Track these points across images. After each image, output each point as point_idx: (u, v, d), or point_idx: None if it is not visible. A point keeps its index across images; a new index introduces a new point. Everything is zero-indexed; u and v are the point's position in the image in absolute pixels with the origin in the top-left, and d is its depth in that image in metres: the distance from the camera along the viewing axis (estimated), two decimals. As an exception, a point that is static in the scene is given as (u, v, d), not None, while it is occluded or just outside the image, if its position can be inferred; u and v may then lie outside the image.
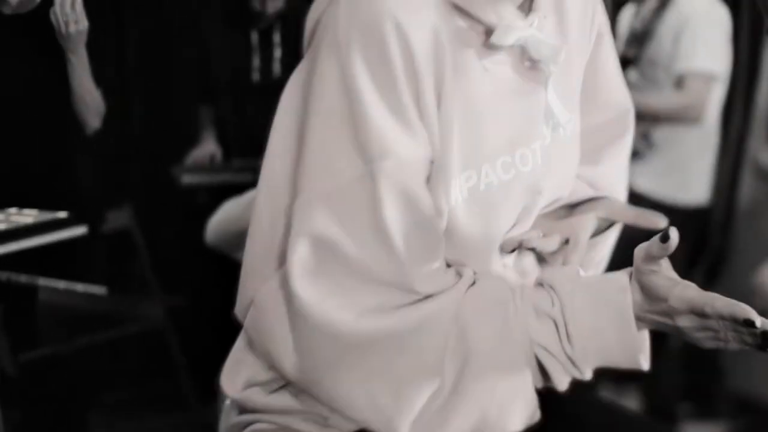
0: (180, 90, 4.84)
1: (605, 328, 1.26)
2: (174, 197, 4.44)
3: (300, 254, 1.22)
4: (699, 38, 3.66)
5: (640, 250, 1.24)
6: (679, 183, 3.88)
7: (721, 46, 3.80)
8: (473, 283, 1.32)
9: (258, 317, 1.31)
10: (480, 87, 1.27)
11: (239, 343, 1.42)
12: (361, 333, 1.23)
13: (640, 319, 1.26)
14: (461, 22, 1.25)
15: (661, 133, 3.80)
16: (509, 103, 1.31)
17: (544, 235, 1.42)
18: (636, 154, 3.61)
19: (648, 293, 1.24)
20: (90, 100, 3.12)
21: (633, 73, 3.68)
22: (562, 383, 1.32)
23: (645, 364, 1.30)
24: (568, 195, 1.49)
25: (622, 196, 1.58)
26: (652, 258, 1.22)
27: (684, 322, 1.21)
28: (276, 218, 1.29)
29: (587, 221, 1.46)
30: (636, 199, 3.61)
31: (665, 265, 1.24)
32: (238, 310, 1.37)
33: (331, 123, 1.21)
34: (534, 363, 1.30)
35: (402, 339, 1.24)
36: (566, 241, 1.45)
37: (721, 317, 1.16)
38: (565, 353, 1.27)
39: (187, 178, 4.09)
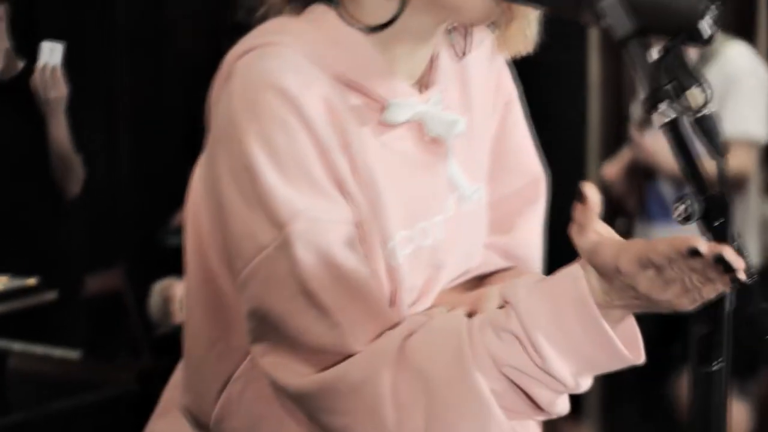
0: (168, 149, 4.89)
1: (570, 326, 1.11)
2: (165, 258, 4.46)
3: (256, 333, 1.22)
4: (747, 101, 3.56)
5: (573, 230, 1.11)
6: None
7: (765, 108, 3.70)
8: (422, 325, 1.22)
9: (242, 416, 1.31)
10: (378, 163, 1.26)
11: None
12: (310, 395, 1.20)
13: (610, 307, 1.11)
14: (355, 100, 1.24)
15: None
16: (409, 178, 1.30)
17: (449, 310, 1.33)
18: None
19: (603, 272, 1.08)
20: (69, 165, 3.16)
21: None
22: (552, 404, 1.17)
23: (635, 356, 1.15)
24: (477, 266, 1.45)
25: (537, 263, 1.52)
26: (582, 228, 1.09)
27: (644, 284, 1.04)
28: (214, 307, 1.30)
29: (491, 293, 1.34)
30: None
31: (604, 232, 1.12)
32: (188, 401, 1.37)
33: (244, 203, 1.19)
34: (507, 386, 1.15)
35: (341, 396, 1.18)
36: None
37: (670, 260, 1.00)
38: (537, 366, 1.12)
39: (174, 240, 4.11)
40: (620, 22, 1.08)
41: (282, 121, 1.16)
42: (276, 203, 1.15)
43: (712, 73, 3.51)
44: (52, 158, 3.13)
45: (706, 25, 1.05)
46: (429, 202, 1.32)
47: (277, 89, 1.16)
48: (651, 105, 1.06)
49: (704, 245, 0.97)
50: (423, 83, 1.33)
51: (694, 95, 1.06)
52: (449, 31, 1.40)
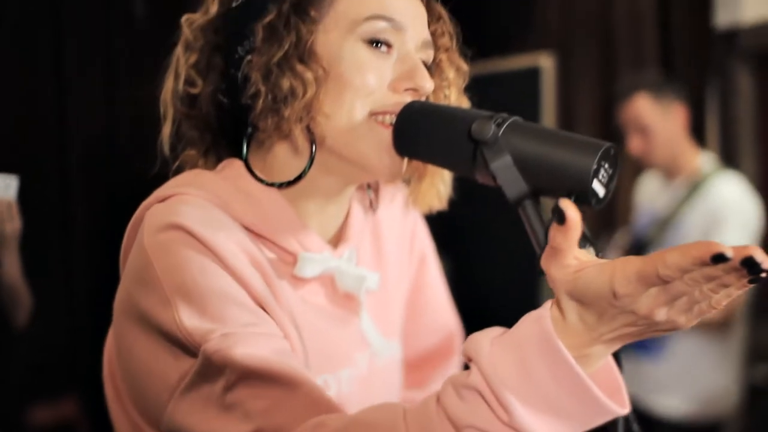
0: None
1: (537, 372, 0.95)
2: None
3: None
4: (731, 236, 3.49)
5: (545, 260, 0.98)
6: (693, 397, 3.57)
7: (752, 242, 3.60)
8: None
9: None
10: (296, 311, 1.25)
11: None
12: None
13: (595, 343, 0.96)
14: (268, 252, 1.25)
15: (674, 340, 3.54)
16: (324, 330, 1.29)
17: None
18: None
19: (588, 302, 0.93)
20: (17, 297, 3.15)
21: None
22: None
23: (617, 404, 0.98)
24: None
25: None
26: (561, 254, 0.95)
27: (646, 305, 0.90)
28: None
29: None
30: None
31: (585, 256, 0.97)
32: None
33: (154, 345, 1.15)
34: None
35: None
36: None
37: (684, 270, 0.87)
38: (504, 423, 0.95)
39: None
40: (513, 183, 1.09)
41: (191, 258, 1.15)
42: (189, 332, 1.11)
43: (699, 206, 3.57)
44: (2, 289, 3.11)
45: (598, 185, 1.07)
46: (338, 355, 1.31)
47: (184, 229, 1.15)
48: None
49: (728, 249, 0.85)
50: (337, 239, 1.35)
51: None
52: (368, 187, 1.43)
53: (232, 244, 1.17)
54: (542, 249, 1.07)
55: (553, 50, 4.94)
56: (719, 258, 0.84)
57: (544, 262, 0.97)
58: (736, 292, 0.90)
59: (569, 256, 0.95)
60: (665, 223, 3.64)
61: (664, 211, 3.66)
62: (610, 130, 4.64)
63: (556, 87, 4.95)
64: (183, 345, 1.11)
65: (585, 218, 1.04)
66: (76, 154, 5.01)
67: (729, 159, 4.32)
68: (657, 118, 3.66)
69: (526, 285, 4.87)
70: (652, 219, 3.73)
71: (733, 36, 4.38)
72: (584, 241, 1.06)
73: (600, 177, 1.07)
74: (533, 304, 4.91)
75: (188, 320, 1.10)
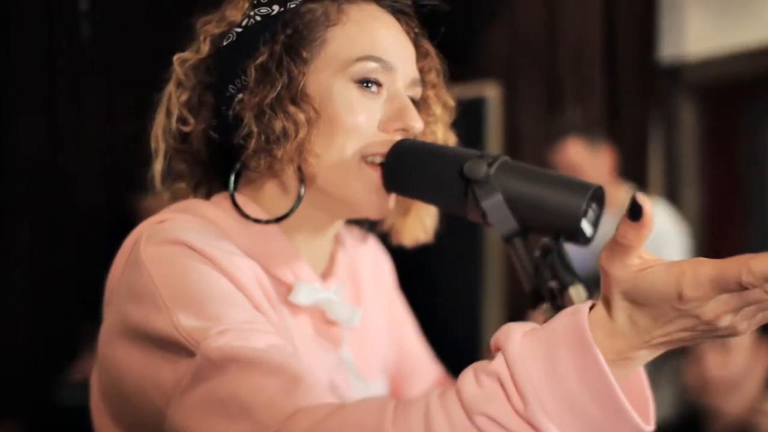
0: (65, 302, 4.85)
1: (564, 368, 0.91)
2: (61, 417, 4.36)
3: None
4: (670, 255, 3.53)
5: (606, 256, 0.94)
6: None
7: None
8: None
9: None
10: (292, 334, 1.26)
11: None
12: None
13: (645, 346, 0.93)
14: (267, 282, 1.24)
15: None
16: (313, 358, 1.28)
17: None
18: None
19: (648, 303, 0.90)
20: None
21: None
22: None
23: (642, 419, 0.94)
24: None
25: None
26: (627, 251, 0.91)
27: (713, 310, 0.87)
28: None
29: None
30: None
31: (649, 255, 0.93)
32: None
33: (146, 355, 1.13)
34: None
35: None
36: None
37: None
38: (518, 414, 0.91)
39: (70, 397, 4.04)
40: (504, 221, 1.12)
41: (191, 266, 1.14)
42: (187, 332, 1.09)
43: None
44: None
45: (587, 225, 1.09)
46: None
47: (184, 244, 1.15)
48: (533, 303, 1.09)
49: None
50: (324, 274, 1.37)
51: (577, 292, 1.09)
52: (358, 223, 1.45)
53: (234, 257, 1.18)
54: (530, 282, 1.10)
55: (500, 80, 4.99)
56: None
57: (604, 259, 0.94)
58: None
59: (635, 254, 0.91)
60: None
61: (602, 243, 3.72)
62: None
63: (502, 116, 4.99)
64: (179, 347, 1.09)
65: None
66: (17, 175, 4.98)
67: (672, 191, 4.39)
68: (588, 160, 3.81)
69: (469, 315, 4.90)
70: (590, 252, 3.76)
71: (677, 70, 4.47)
72: (572, 277, 1.09)
73: (588, 217, 1.09)
74: (476, 331, 4.96)
75: (186, 321, 1.09)
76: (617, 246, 0.91)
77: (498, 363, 0.94)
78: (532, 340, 0.94)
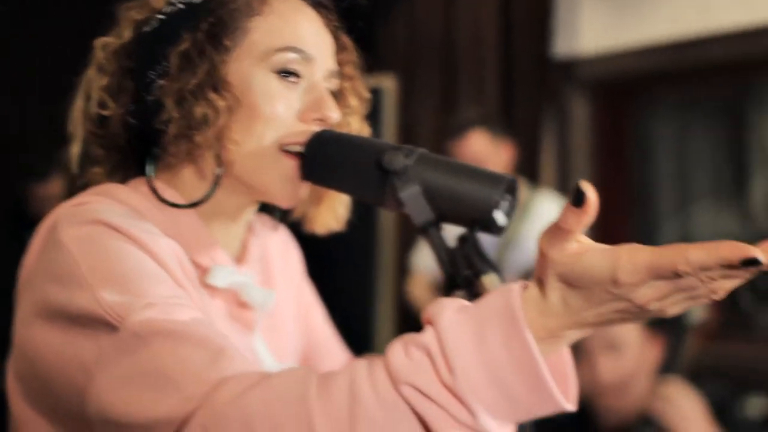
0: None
1: (492, 342, 0.92)
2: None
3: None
4: None
5: (546, 239, 0.95)
6: None
7: None
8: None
9: None
10: (210, 313, 1.27)
11: None
12: None
13: (576, 326, 0.95)
14: (187, 262, 1.25)
15: None
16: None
17: None
18: None
19: (581, 285, 0.92)
20: None
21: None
22: None
23: (564, 399, 0.95)
24: None
25: None
26: (567, 235, 0.93)
27: (646, 295, 0.89)
28: None
29: None
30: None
31: (587, 240, 0.96)
32: None
33: (63, 333, 1.13)
34: (399, 410, 0.93)
35: None
36: None
37: (705, 269, 0.85)
38: (443, 383, 0.92)
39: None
40: (421, 211, 1.15)
41: (112, 244, 1.15)
42: (111, 306, 1.09)
43: (534, 224, 3.76)
44: None
45: (500, 215, 1.13)
46: None
47: (105, 223, 1.16)
48: (448, 291, 1.12)
49: (760, 253, 0.83)
50: (238, 259, 1.39)
51: (490, 281, 1.13)
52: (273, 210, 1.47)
53: (155, 237, 1.19)
54: (447, 270, 1.13)
55: (396, 72, 5.04)
56: (752, 262, 0.83)
57: (544, 241, 0.95)
58: (736, 284, 0.89)
59: (574, 238, 0.93)
60: (505, 244, 3.80)
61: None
62: (449, 153, 4.77)
63: (398, 108, 5.04)
64: (103, 323, 1.09)
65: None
66: None
67: (564, 183, 4.49)
68: (491, 153, 3.84)
69: (360, 304, 4.94)
70: (488, 243, 3.82)
71: (570, 65, 4.57)
72: (487, 266, 1.13)
73: (502, 208, 1.13)
74: (368, 317, 4.99)
75: (110, 296, 1.09)
76: (558, 230, 0.93)
77: (428, 335, 0.95)
78: (464, 314, 0.95)
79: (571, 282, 0.93)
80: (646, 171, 4.83)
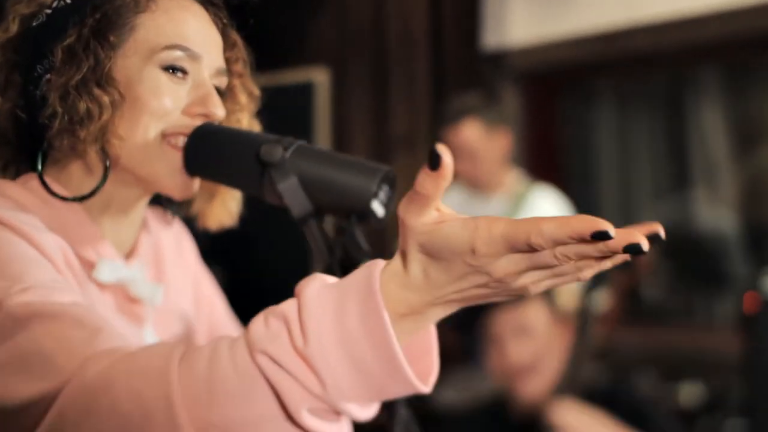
0: None
1: (348, 316, 0.91)
2: None
3: None
4: None
5: (404, 207, 0.92)
6: None
7: None
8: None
9: None
10: (97, 307, 1.28)
11: None
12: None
13: (439, 302, 0.93)
14: (72, 257, 1.25)
15: None
16: None
17: None
18: None
19: (442, 257, 0.90)
20: None
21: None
22: (299, 411, 0.92)
23: (418, 381, 0.94)
24: None
25: None
26: (425, 201, 0.90)
27: (503, 268, 0.87)
28: None
29: None
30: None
31: (447, 210, 0.93)
32: None
33: None
34: (253, 376, 0.93)
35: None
36: None
37: (558, 243, 0.83)
38: (297, 351, 0.91)
39: None
40: (299, 203, 1.16)
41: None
42: None
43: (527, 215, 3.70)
44: None
45: (377, 206, 1.14)
46: None
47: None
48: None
49: (612, 228, 0.81)
50: (129, 254, 1.39)
51: None
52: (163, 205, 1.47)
53: (39, 231, 1.20)
54: (325, 262, 1.14)
55: (327, 65, 5.05)
56: (602, 236, 0.81)
57: (402, 209, 0.92)
58: (599, 269, 0.88)
59: (433, 205, 0.91)
60: None
61: None
62: (383, 145, 4.78)
63: (330, 101, 5.04)
64: None
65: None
66: None
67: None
68: (484, 143, 3.74)
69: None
70: None
71: (500, 57, 4.59)
72: (363, 255, 1.14)
73: (380, 198, 1.14)
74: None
75: None
76: (416, 195, 0.90)
77: (289, 305, 0.95)
78: (329, 287, 0.95)
79: (431, 253, 0.90)
80: (578, 161, 4.88)
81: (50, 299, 1.08)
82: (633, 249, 0.81)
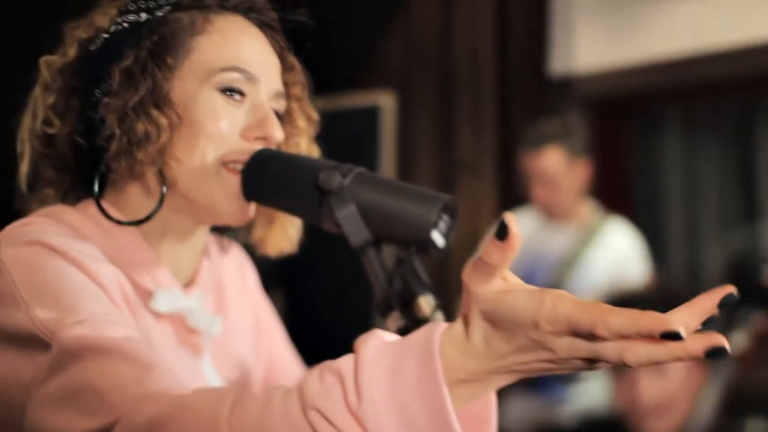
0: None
1: (404, 373, 0.89)
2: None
3: None
4: (635, 276, 3.65)
5: (469, 273, 0.89)
6: None
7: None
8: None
9: None
10: (152, 338, 1.25)
11: None
12: None
13: (501, 371, 0.90)
14: (129, 287, 1.24)
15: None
16: (174, 365, 1.22)
17: None
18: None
19: (505, 327, 0.87)
20: None
21: None
22: None
23: None
24: None
25: None
26: (491, 270, 0.88)
27: (567, 349, 0.85)
28: None
29: None
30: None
31: (513, 278, 0.91)
32: None
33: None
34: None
35: None
36: None
37: (624, 336, 0.81)
38: (349, 410, 0.88)
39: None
40: (357, 231, 1.14)
41: (49, 263, 1.14)
42: (43, 323, 1.08)
43: (601, 250, 3.72)
44: None
45: (437, 236, 1.12)
46: None
47: (44, 244, 1.16)
48: (383, 311, 1.11)
49: (681, 327, 0.79)
50: (188, 283, 1.37)
51: (427, 302, 1.11)
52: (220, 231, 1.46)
53: (96, 260, 1.18)
54: (383, 292, 1.11)
55: (394, 89, 5.04)
56: (672, 336, 0.79)
57: (467, 276, 0.89)
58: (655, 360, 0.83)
59: (499, 275, 0.88)
60: (568, 265, 3.73)
61: (563, 254, 3.76)
62: (447, 170, 4.75)
63: (396, 125, 5.03)
64: (37, 341, 1.08)
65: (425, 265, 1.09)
66: None
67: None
68: (565, 172, 3.69)
69: (360, 318, 4.91)
70: (551, 262, 3.78)
71: (566, 83, 4.55)
72: (423, 287, 1.11)
73: (440, 228, 1.12)
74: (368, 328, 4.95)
75: (42, 313, 1.08)
76: (481, 264, 0.88)
77: (345, 361, 0.92)
78: (387, 345, 0.92)
79: (494, 321, 0.88)
80: (644, 189, 4.81)
81: (104, 333, 1.06)
82: (716, 353, 0.79)
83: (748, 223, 4.59)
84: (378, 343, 0.92)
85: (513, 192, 4.13)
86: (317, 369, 0.94)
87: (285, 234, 1.42)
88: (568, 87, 4.57)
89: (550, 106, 4.52)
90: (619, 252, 3.72)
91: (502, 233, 0.86)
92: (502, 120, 4.65)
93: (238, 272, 1.54)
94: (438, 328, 0.90)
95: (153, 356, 1.06)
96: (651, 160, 4.81)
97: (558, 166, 3.68)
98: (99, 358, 1.04)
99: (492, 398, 0.98)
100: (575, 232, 3.80)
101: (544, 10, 4.61)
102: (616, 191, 4.62)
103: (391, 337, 0.94)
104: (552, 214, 3.81)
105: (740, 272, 4.47)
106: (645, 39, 4.37)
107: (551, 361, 0.87)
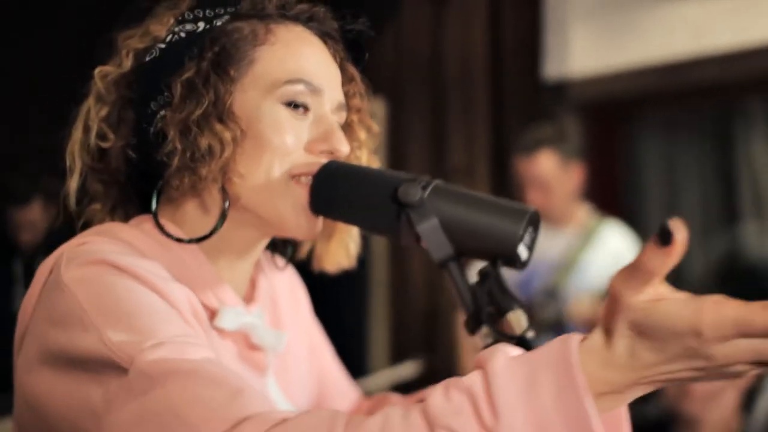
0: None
1: (541, 386, 0.85)
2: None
3: None
4: None
5: (621, 281, 0.86)
6: None
7: None
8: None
9: None
10: (220, 355, 1.22)
11: None
12: None
13: (644, 382, 0.87)
14: (198, 306, 1.20)
15: None
16: None
17: None
18: None
19: (656, 337, 0.84)
20: None
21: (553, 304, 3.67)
22: None
23: None
24: None
25: None
26: (647, 277, 0.85)
27: (729, 354, 0.81)
28: None
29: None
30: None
31: (664, 287, 0.87)
32: None
33: (72, 377, 1.07)
34: None
35: None
36: None
37: None
38: (484, 427, 0.84)
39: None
40: (439, 245, 1.10)
41: (116, 282, 1.09)
42: (118, 347, 1.03)
43: (598, 252, 3.70)
44: None
45: (523, 249, 1.09)
46: None
47: (107, 263, 1.10)
48: (472, 328, 1.07)
49: None
50: (246, 299, 1.33)
51: (516, 318, 1.08)
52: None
53: (163, 280, 1.13)
54: (468, 308, 1.08)
55: (386, 95, 5.01)
56: None
57: (620, 283, 0.86)
58: None
59: (654, 282, 0.85)
60: (566, 269, 3.73)
61: (561, 257, 3.76)
62: (440, 175, 4.71)
63: (388, 132, 5.00)
64: (110, 365, 1.03)
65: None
66: None
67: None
68: (559, 176, 3.70)
69: (354, 326, 4.89)
70: (549, 266, 3.78)
71: (560, 88, 4.54)
72: (512, 302, 1.08)
73: (525, 242, 1.09)
74: (361, 334, 4.95)
75: (116, 336, 1.03)
76: (637, 271, 0.85)
77: (473, 378, 0.88)
78: (517, 360, 0.88)
79: (644, 331, 0.84)
80: (638, 193, 4.82)
81: (184, 356, 1.02)
82: None
83: (727, 221, 4.62)
84: (506, 358, 0.88)
85: (507, 197, 4.11)
86: (440, 387, 0.90)
87: (344, 248, 1.39)
88: (561, 91, 4.55)
89: (544, 110, 4.51)
90: (616, 253, 3.73)
91: (666, 238, 0.83)
92: (495, 125, 4.63)
93: (289, 288, 1.51)
94: (573, 339, 0.87)
95: (237, 378, 1.02)
96: (640, 162, 4.81)
97: (552, 170, 3.69)
98: (182, 382, 0.99)
99: (625, 413, 0.94)
100: (572, 236, 3.80)
101: (537, 15, 4.59)
102: (610, 194, 4.62)
103: (515, 351, 0.91)
104: (547, 218, 3.79)
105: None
106: (638, 43, 4.37)
107: (702, 369, 0.84)
